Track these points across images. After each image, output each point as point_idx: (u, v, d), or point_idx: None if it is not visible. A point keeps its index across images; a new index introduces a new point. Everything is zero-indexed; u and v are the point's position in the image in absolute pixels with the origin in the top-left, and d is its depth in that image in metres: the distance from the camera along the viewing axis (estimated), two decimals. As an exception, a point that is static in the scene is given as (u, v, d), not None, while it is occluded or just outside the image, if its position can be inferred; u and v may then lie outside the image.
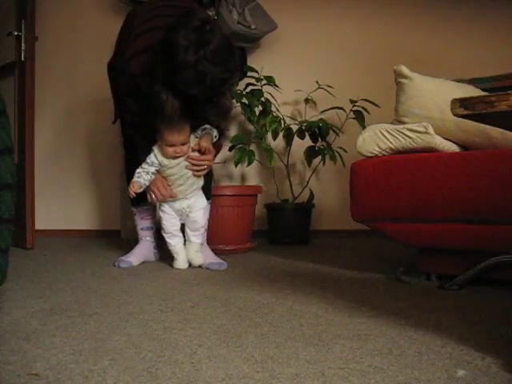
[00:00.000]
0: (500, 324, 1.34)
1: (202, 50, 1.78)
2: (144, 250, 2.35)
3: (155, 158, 2.09)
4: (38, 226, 2.95)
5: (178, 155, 2.07)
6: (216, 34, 1.83)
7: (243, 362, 1.05)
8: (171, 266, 2.22)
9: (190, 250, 2.22)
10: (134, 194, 2.08)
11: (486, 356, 1.08)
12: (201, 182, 2.19)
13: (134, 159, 2.20)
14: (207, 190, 2.29)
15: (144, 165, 2.10)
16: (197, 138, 2.13)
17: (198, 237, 2.23)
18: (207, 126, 2.15)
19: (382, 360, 1.07)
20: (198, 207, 2.20)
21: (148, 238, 2.38)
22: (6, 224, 1.30)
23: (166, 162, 2.09)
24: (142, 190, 2.09)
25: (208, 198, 2.29)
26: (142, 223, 2.38)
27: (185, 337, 1.23)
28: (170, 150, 2.05)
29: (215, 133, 2.16)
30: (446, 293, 1.74)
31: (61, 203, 3.49)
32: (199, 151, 2.10)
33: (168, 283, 1.89)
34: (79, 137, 3.52)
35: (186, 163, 2.10)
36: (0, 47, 3.00)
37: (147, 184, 2.11)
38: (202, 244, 2.28)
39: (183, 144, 2.06)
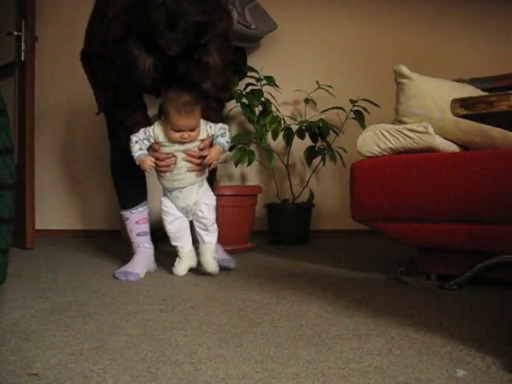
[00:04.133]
0: (500, 324, 1.34)
1: None
2: (146, 260, 2.08)
3: (152, 131, 1.89)
4: (38, 226, 2.95)
5: (184, 141, 1.87)
6: None
7: (243, 362, 1.05)
8: (170, 271, 2.04)
9: (207, 254, 1.99)
10: (151, 169, 1.88)
11: (486, 356, 1.08)
12: (204, 174, 2.00)
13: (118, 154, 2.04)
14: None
15: (140, 135, 1.89)
16: (209, 130, 1.93)
17: (211, 236, 2.03)
18: (224, 128, 1.95)
19: (382, 360, 1.07)
20: (205, 203, 2.00)
21: (147, 245, 2.11)
22: (6, 224, 1.30)
23: (161, 138, 1.89)
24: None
25: None
26: (138, 228, 2.10)
27: (185, 337, 1.23)
28: (177, 135, 1.85)
29: (227, 145, 1.98)
30: (446, 293, 1.74)
31: (61, 203, 3.49)
32: (201, 152, 1.92)
33: (168, 283, 1.89)
34: (78, 137, 3.51)
35: (182, 150, 1.91)
36: (0, 47, 3.00)
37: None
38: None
39: (192, 130, 1.86)
